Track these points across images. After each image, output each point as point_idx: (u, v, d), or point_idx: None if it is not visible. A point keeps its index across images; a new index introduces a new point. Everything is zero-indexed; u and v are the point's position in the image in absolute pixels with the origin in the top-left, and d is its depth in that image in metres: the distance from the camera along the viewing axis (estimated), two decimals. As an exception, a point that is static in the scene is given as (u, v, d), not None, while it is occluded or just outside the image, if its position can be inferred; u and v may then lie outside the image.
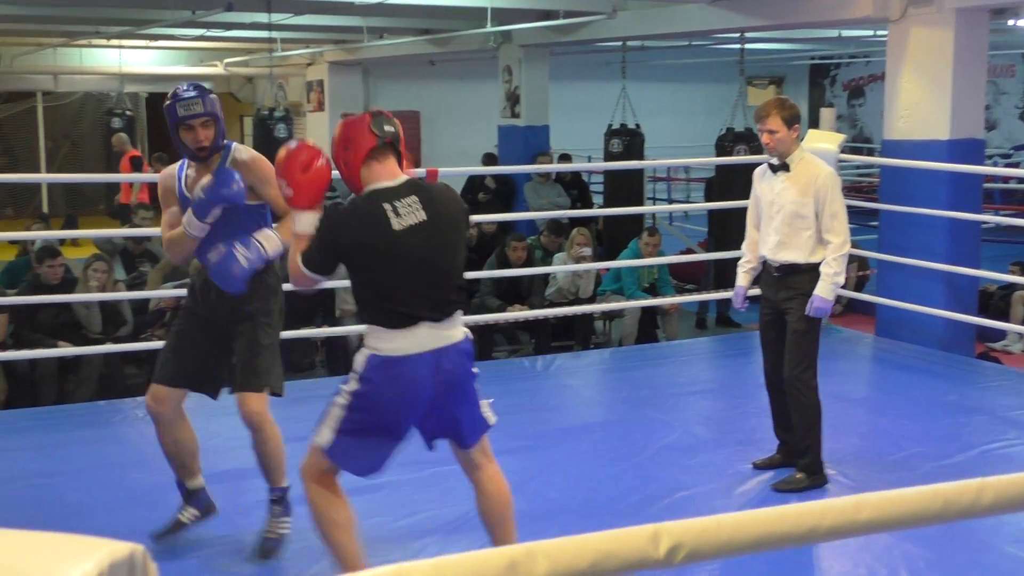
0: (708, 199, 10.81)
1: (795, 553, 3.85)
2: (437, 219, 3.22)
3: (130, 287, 8.11)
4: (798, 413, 4.70)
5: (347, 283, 8.07)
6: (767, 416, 5.82)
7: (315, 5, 9.91)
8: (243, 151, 3.99)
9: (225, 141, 3.97)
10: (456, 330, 3.29)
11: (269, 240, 3.89)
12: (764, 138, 4.67)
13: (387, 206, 3.15)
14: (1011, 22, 8.29)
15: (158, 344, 7.02)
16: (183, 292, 7.32)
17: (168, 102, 3.88)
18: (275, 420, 3.97)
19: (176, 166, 4.07)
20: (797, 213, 4.62)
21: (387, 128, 3.24)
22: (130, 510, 4.44)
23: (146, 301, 7.72)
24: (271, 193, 3.87)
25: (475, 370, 3.38)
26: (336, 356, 7.84)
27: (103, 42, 14.85)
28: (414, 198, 3.20)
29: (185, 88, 3.90)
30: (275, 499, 4.08)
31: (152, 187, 13.48)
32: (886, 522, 1.63)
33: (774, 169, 4.73)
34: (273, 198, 3.88)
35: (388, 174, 3.23)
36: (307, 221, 3.27)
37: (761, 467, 4.92)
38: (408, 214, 3.16)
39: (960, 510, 1.64)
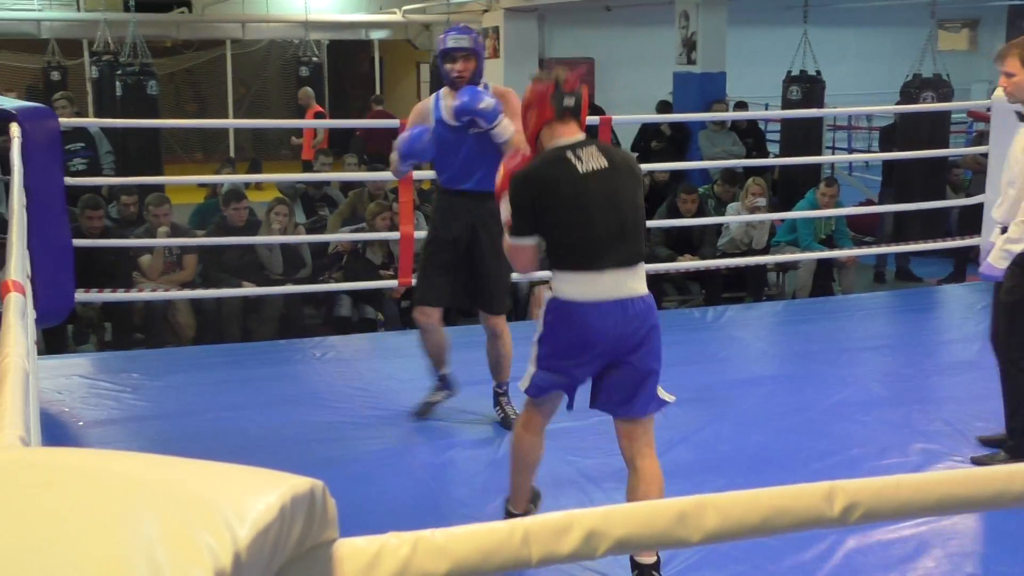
0: (884, 149, 10.39)
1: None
2: (616, 168, 3.25)
3: (310, 231, 8.37)
4: (1005, 390, 4.37)
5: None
6: (948, 375, 5.63)
7: (492, -49, 9.92)
8: (499, 87, 4.61)
9: (484, 81, 4.55)
10: (641, 283, 3.24)
11: (506, 125, 4.35)
12: (1001, 81, 4.28)
13: (569, 153, 3.22)
14: None
15: (336, 286, 7.26)
16: (360, 236, 7.54)
17: (441, 36, 4.60)
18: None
19: (432, 96, 4.65)
20: None
21: (566, 103, 3.30)
22: (306, 446, 4.62)
23: (325, 245, 7.95)
24: (516, 125, 4.11)
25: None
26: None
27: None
28: (593, 148, 3.25)
29: (457, 26, 4.66)
30: (499, 392, 4.86)
31: (333, 134, 13.86)
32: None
33: (1020, 117, 4.35)
34: (518, 131, 4.16)
35: (568, 133, 3.29)
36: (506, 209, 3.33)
37: (986, 443, 4.55)
38: (589, 160, 3.21)
39: None
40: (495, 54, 16.98)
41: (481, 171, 4.38)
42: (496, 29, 16.88)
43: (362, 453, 4.52)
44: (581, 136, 3.31)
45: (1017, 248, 4.19)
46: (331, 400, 5.23)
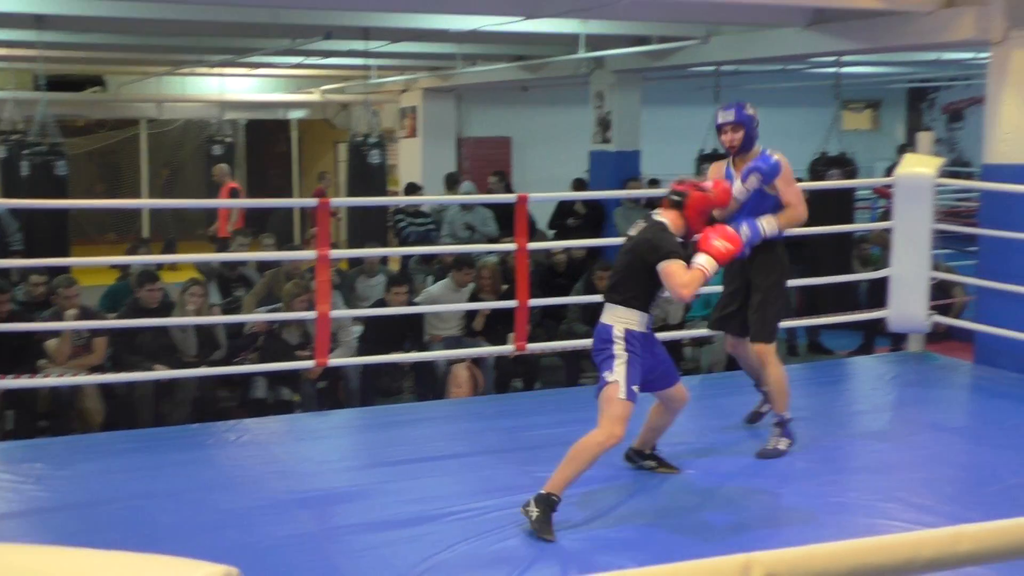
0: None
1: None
2: (633, 240, 4.63)
3: (225, 311, 8.27)
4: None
5: (436, 308, 8.09)
6: (860, 445, 5.72)
7: (411, 33, 10.05)
8: (775, 154, 5.38)
9: (762, 148, 5.46)
10: (608, 315, 4.65)
11: (768, 222, 5.34)
12: None
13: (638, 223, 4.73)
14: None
15: (251, 368, 7.17)
16: (277, 316, 7.47)
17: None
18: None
19: (725, 162, 5.62)
20: None
21: (673, 197, 4.67)
22: (220, 533, 4.50)
23: (240, 325, 7.86)
24: (782, 188, 5.36)
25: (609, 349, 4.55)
26: (425, 381, 7.89)
27: (205, 70, 15.26)
28: (643, 224, 4.66)
29: (727, 104, 5.55)
30: (777, 423, 5.51)
31: (250, 213, 13.76)
32: (985, 555, 1.58)
33: None
34: (782, 192, 5.36)
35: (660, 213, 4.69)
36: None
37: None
38: (634, 229, 4.70)
39: (1064, 545, 1.58)
40: (413, 133, 17.13)
41: None
42: (414, 109, 17.04)
43: (279, 539, 4.42)
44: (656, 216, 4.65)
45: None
46: (246, 484, 5.13)
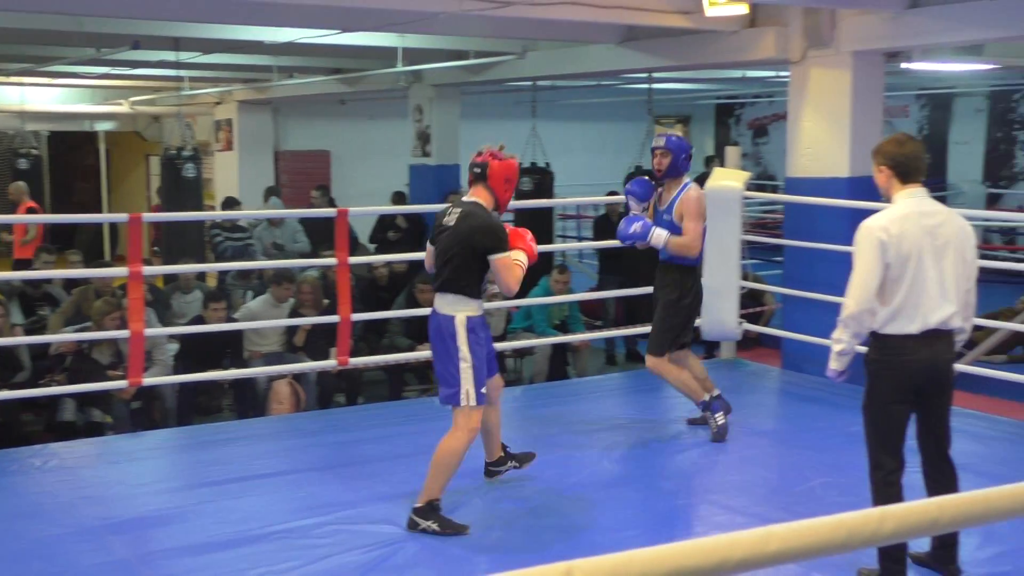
0: (597, 238, 10.87)
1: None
2: (455, 227, 4.64)
3: (29, 332, 7.89)
4: None
5: (255, 324, 7.92)
6: (676, 451, 5.89)
7: (224, 44, 9.81)
8: (693, 189, 5.94)
9: (687, 181, 5.97)
10: (443, 304, 4.62)
11: (659, 236, 5.83)
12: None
13: (448, 208, 4.76)
14: (904, 65, 8.55)
15: (58, 389, 6.85)
16: (85, 336, 7.16)
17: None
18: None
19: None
20: None
21: (474, 169, 4.73)
22: (26, 564, 4.29)
23: (46, 346, 7.50)
24: (685, 223, 5.82)
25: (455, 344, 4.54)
26: (244, 398, 7.71)
27: (3, 79, 14.51)
28: (458, 210, 4.66)
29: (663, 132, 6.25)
30: (703, 409, 6.03)
31: (56, 229, 13.10)
32: (794, 553, 1.65)
33: None
34: (684, 226, 5.83)
35: (470, 194, 4.75)
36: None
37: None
38: (450, 216, 4.69)
39: (864, 538, 1.66)
40: (228, 147, 16.75)
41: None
42: (229, 121, 16.67)
43: (88, 568, 4.24)
44: (466, 198, 4.71)
45: (841, 347, 4.13)
46: (53, 512, 4.90)
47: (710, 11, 7.15)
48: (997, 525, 4.32)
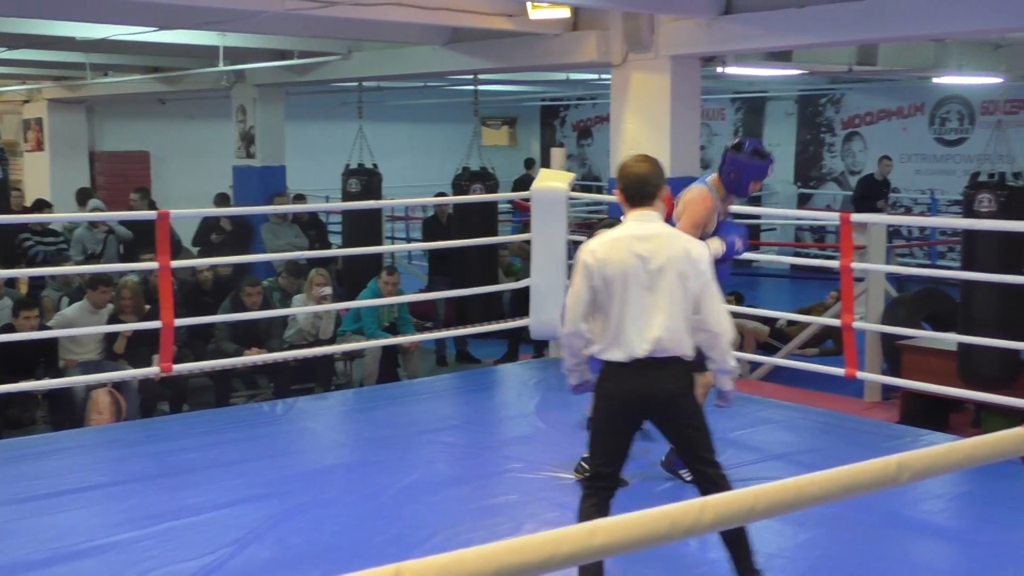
0: (426, 239, 10.89)
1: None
2: None
3: None
4: None
5: (71, 331, 7.61)
6: (509, 448, 5.95)
7: (31, 39, 9.38)
8: (692, 188, 5.23)
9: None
10: None
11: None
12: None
13: None
14: (720, 69, 8.87)
15: None
16: None
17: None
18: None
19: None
20: None
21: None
22: None
23: None
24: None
25: None
26: (60, 409, 7.39)
27: None
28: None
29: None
30: None
31: None
32: (619, 545, 1.69)
33: None
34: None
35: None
36: None
37: None
38: None
39: (685, 528, 1.72)
40: (39, 147, 16.04)
41: None
42: (39, 120, 15.96)
43: None
44: None
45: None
46: None
47: (534, 14, 7.27)
48: (809, 512, 4.53)
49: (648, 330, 3.67)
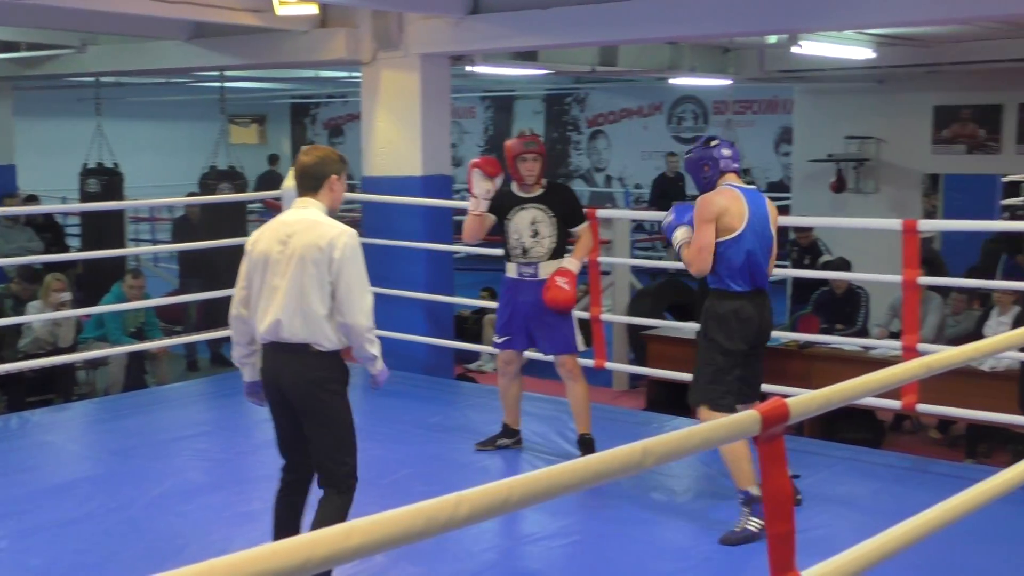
0: (178, 239, 10.54)
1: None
2: None
3: None
4: None
5: None
6: (262, 453, 5.84)
7: None
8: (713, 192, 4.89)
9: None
10: None
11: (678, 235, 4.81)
12: None
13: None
14: (469, 68, 8.98)
15: None
16: None
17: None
18: None
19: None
20: None
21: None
22: None
23: None
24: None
25: None
26: None
27: None
28: None
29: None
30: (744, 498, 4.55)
31: None
32: (377, 544, 1.68)
33: None
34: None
35: None
36: None
37: None
38: None
39: (441, 524, 1.73)
40: None
41: None
42: None
43: None
44: None
45: None
46: None
47: (281, 10, 7.14)
48: (564, 500, 4.67)
49: (268, 314, 3.74)
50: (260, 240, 3.81)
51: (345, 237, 3.73)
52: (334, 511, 3.76)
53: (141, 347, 8.17)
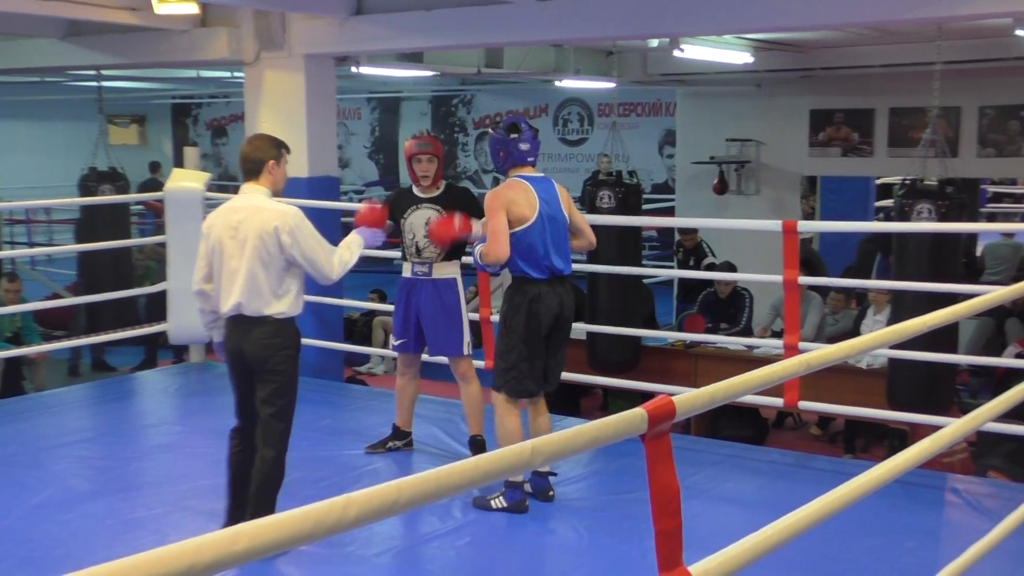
0: (79, 240, 10.31)
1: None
2: None
3: None
4: None
5: None
6: (148, 459, 5.73)
7: None
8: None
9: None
10: None
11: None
12: None
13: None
14: (354, 69, 8.94)
15: None
16: None
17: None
18: None
19: None
20: None
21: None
22: None
23: None
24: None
25: None
26: None
27: None
28: None
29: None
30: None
31: None
32: (264, 548, 1.68)
33: None
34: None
35: None
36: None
37: None
38: None
39: (329, 527, 1.74)
40: None
41: None
42: None
43: None
44: None
45: None
46: None
47: (160, 9, 7.02)
48: (457, 500, 4.69)
49: (231, 296, 4.22)
50: (215, 226, 4.24)
51: (287, 219, 4.18)
52: (272, 466, 4.31)
53: (18, 352, 7.93)
